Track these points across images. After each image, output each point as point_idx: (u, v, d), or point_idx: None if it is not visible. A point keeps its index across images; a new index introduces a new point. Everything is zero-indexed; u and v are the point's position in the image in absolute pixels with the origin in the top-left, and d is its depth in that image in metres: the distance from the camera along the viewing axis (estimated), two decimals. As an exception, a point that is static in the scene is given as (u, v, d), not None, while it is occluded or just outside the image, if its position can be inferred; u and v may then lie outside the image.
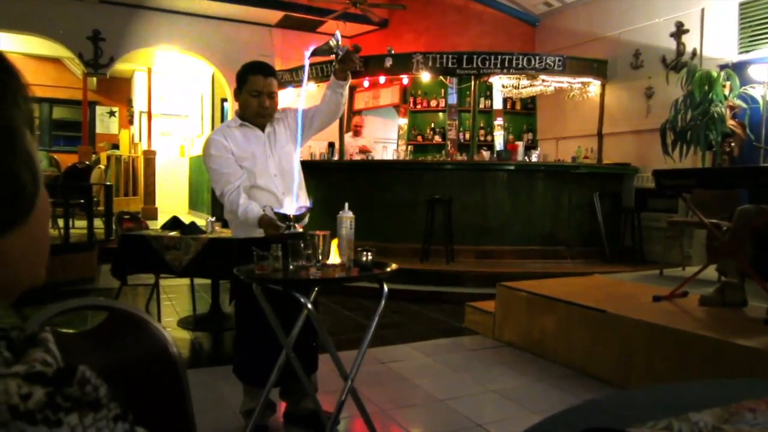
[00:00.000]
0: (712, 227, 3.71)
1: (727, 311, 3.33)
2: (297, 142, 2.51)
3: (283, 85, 7.71)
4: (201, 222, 4.42)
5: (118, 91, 12.68)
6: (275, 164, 2.46)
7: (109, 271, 4.34)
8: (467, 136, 8.37)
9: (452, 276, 5.77)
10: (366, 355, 3.53)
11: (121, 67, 10.04)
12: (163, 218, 6.32)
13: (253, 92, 2.38)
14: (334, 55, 2.32)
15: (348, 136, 7.92)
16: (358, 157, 7.53)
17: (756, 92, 5.31)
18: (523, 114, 8.95)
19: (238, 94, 2.46)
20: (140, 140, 11.69)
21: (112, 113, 13.11)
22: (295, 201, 2.36)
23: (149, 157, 10.49)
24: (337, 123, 8.15)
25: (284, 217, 2.15)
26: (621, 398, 0.97)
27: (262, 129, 2.48)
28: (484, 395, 3.08)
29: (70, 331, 0.85)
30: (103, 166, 9.01)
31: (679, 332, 2.96)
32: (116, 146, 12.00)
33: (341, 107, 2.54)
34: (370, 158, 7.68)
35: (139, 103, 12.03)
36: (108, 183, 8.01)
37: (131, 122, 12.58)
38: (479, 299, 4.58)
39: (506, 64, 6.92)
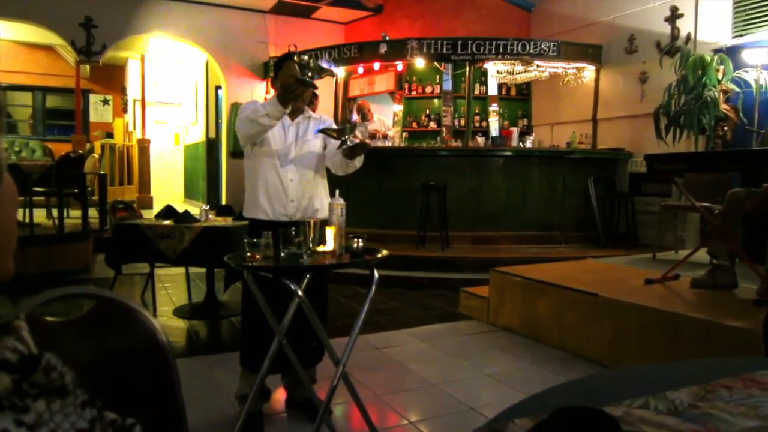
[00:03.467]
0: (703, 211, 3.73)
1: (718, 293, 3.36)
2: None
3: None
4: (195, 211, 4.42)
5: (112, 79, 12.58)
6: (296, 153, 2.48)
7: (104, 260, 4.34)
8: (462, 122, 8.35)
9: (448, 262, 5.79)
10: (361, 342, 3.59)
11: (114, 54, 9.96)
12: (158, 207, 6.31)
13: (289, 77, 2.39)
14: (341, 142, 2.33)
15: (355, 122, 7.79)
16: (379, 143, 7.38)
17: (749, 76, 5.31)
18: (518, 100, 8.93)
19: (275, 82, 2.53)
20: (134, 129, 11.64)
21: (105, 101, 13.02)
22: (309, 198, 2.44)
23: (144, 146, 10.45)
24: (331, 108, 8.16)
25: (341, 131, 2.28)
26: (601, 378, 0.98)
27: (293, 118, 2.51)
28: (478, 379, 3.11)
29: (56, 319, 0.86)
30: (97, 155, 8.98)
31: (671, 314, 2.99)
32: (110, 135, 11.93)
33: (347, 173, 2.55)
34: (390, 144, 7.41)
35: (132, 91, 11.96)
36: (102, 172, 7.98)
37: (125, 110, 12.51)
38: (475, 285, 4.60)
39: (501, 50, 6.89)
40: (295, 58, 2.30)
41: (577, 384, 0.90)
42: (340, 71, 8.06)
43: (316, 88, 2.22)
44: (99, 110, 12.97)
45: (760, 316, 1.58)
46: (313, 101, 2.56)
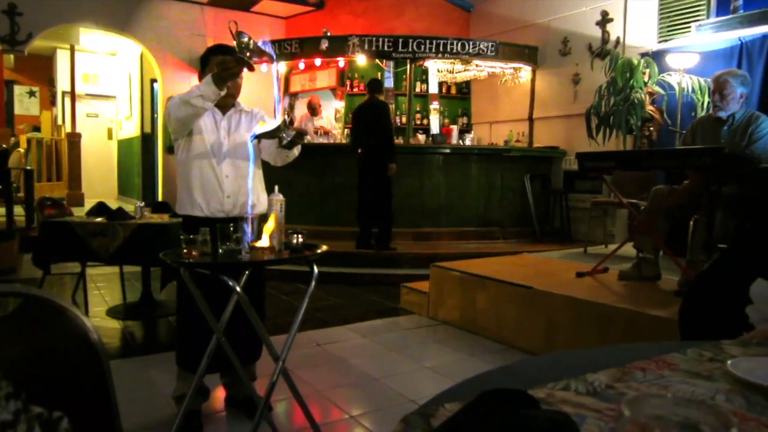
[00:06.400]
0: (630, 206, 3.92)
1: (643, 285, 3.55)
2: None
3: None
4: (130, 207, 4.29)
5: (39, 69, 11.97)
6: (230, 148, 2.43)
7: (31, 260, 4.15)
8: (404, 119, 8.43)
9: (389, 258, 5.84)
10: (302, 338, 3.59)
11: (40, 43, 9.46)
12: (90, 204, 6.07)
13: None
14: (278, 139, 2.30)
15: (303, 117, 7.76)
16: (321, 140, 7.37)
17: (672, 79, 5.60)
18: (458, 98, 9.09)
19: (201, 77, 2.45)
20: (64, 122, 11.12)
21: (32, 93, 12.39)
22: (249, 193, 2.38)
23: (74, 140, 9.99)
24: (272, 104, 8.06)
25: (275, 130, 2.22)
26: (528, 363, 1.04)
27: (224, 113, 2.47)
28: (418, 372, 3.17)
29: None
30: (22, 150, 8.54)
31: (600, 305, 3.14)
32: (37, 128, 11.37)
33: (286, 162, 2.53)
34: (332, 141, 7.42)
35: (61, 82, 11.42)
36: (29, 167, 7.61)
37: (53, 103, 11.93)
38: (416, 280, 4.67)
39: (441, 49, 7.00)
40: (234, 39, 2.24)
41: (504, 370, 0.95)
42: (282, 66, 7.98)
43: (253, 69, 2.17)
44: (25, 102, 12.34)
45: (679, 305, 1.70)
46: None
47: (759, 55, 5.17)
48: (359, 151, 5.86)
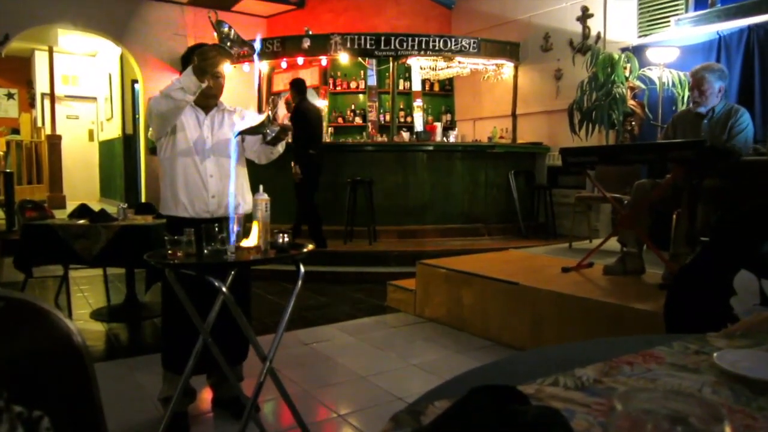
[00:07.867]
0: (613, 201, 3.96)
1: (628, 279, 3.58)
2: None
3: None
4: (113, 209, 4.24)
5: (17, 71, 11.78)
6: (214, 147, 2.41)
7: (12, 263, 4.08)
8: (387, 117, 8.43)
9: (375, 256, 5.84)
10: (289, 338, 3.57)
11: (18, 45, 9.31)
12: (72, 206, 5.98)
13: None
14: (262, 135, 2.27)
15: (285, 116, 7.72)
16: None
17: (653, 74, 5.66)
18: (441, 95, 9.11)
19: None
20: (43, 124, 10.96)
21: (10, 95, 12.19)
22: (231, 192, 2.34)
23: (54, 142, 9.85)
24: (254, 100, 8.01)
25: (259, 126, 2.19)
26: (516, 359, 1.04)
27: (207, 112, 2.44)
28: (405, 370, 3.17)
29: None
30: (2, 153, 8.41)
31: (585, 300, 3.16)
32: (16, 131, 11.19)
33: (270, 159, 2.51)
34: None
35: (40, 84, 11.26)
36: (8, 170, 7.48)
37: (32, 105, 11.76)
38: (402, 278, 4.67)
39: (423, 46, 7.01)
40: (214, 29, 2.21)
41: (493, 366, 0.95)
42: (264, 65, 7.93)
43: (234, 60, 2.16)
44: (3, 105, 12.15)
45: (664, 299, 1.71)
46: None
47: (737, 49, 5.24)
48: (311, 152, 5.94)
